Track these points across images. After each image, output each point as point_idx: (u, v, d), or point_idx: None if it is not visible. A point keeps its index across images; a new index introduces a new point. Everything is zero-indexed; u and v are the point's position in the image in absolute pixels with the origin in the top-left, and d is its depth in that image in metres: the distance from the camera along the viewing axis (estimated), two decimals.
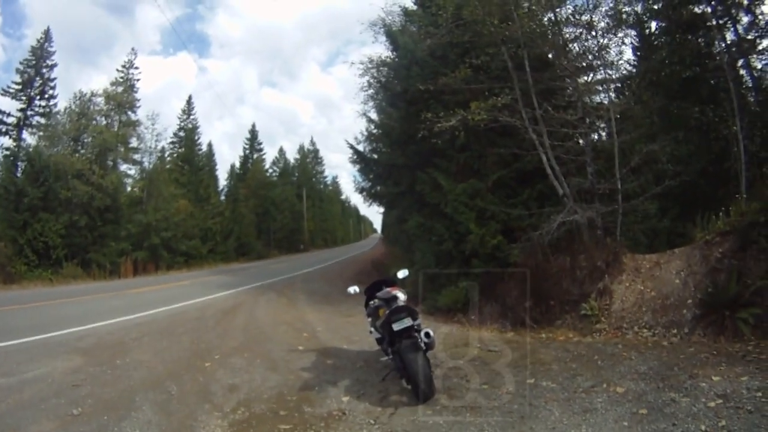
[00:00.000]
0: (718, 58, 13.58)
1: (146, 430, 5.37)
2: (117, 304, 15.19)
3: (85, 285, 23.69)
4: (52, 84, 32.75)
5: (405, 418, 5.49)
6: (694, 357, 6.71)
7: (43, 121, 31.92)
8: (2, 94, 31.50)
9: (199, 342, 9.70)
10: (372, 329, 7.04)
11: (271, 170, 62.75)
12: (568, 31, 11.90)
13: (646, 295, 8.96)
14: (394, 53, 16.52)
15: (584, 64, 11.82)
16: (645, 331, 8.35)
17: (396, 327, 6.06)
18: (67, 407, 5.97)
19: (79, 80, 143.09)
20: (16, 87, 31.53)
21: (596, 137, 11.99)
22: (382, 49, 19.01)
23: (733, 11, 12.97)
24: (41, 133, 31.23)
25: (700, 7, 13.59)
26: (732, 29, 13.32)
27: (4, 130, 31.64)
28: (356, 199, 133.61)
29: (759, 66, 13.83)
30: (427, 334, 6.08)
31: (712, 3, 13.15)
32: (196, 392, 6.64)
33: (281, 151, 67.75)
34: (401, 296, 6.78)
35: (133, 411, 5.87)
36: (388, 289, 6.99)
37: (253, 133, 61.11)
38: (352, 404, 6.04)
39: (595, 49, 11.50)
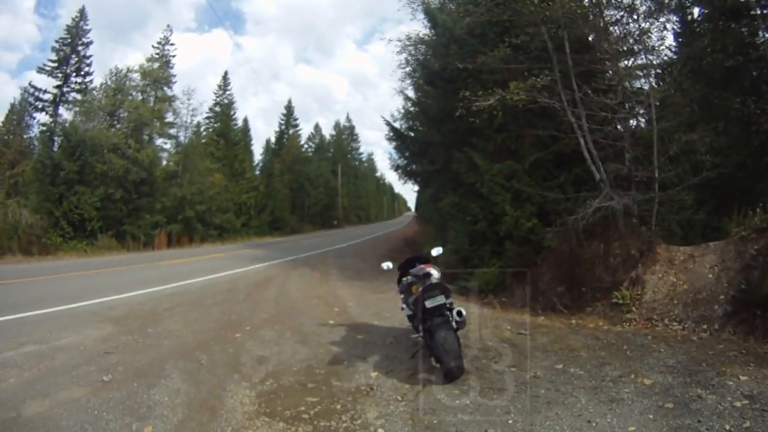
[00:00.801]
0: (762, 48, 13.19)
1: (175, 397, 5.44)
2: (149, 275, 15.46)
3: (119, 256, 24.10)
4: (87, 61, 33.59)
5: (432, 396, 5.48)
6: (723, 354, 6.58)
7: (79, 97, 32.59)
8: (39, 72, 32.29)
9: (229, 313, 9.82)
10: (404, 306, 7.01)
11: (306, 146, 63.18)
12: (609, 14, 11.63)
13: (678, 287, 8.82)
14: (433, 31, 16.49)
15: (625, 48, 11.59)
16: (675, 324, 8.22)
17: (429, 304, 6.01)
18: (97, 374, 6.10)
19: (113, 58, 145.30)
20: (53, 65, 32.30)
21: (635, 123, 11.75)
22: (419, 27, 19.11)
23: None
24: (77, 109, 31.83)
25: None
26: None
27: (40, 106, 32.65)
28: (391, 177, 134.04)
29: None
30: (459, 313, 6.04)
31: None
32: (225, 363, 6.72)
33: (317, 127, 68.35)
34: (435, 273, 6.73)
35: (163, 379, 5.97)
36: (422, 266, 6.97)
37: (289, 109, 61.41)
38: (381, 380, 6.06)
39: (636, 33, 11.27)
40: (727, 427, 4.45)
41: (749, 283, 7.75)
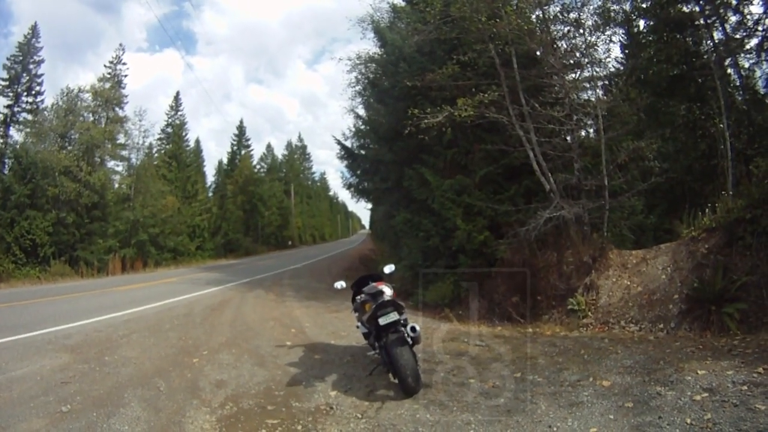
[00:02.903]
0: (705, 56, 13.69)
1: (135, 426, 5.36)
2: (104, 302, 15.11)
3: (73, 283, 23.54)
4: (39, 80, 32.55)
5: (392, 412, 5.50)
6: (680, 351, 6.77)
7: (29, 117, 31.66)
8: None
9: (186, 338, 9.69)
10: (359, 324, 7.04)
11: (258, 166, 62.49)
12: (556, 29, 11.97)
13: (632, 290, 9.08)
14: (382, 50, 16.58)
15: (572, 61, 11.89)
16: (631, 326, 8.46)
17: (382, 321, 6.07)
18: (56, 404, 5.95)
19: (65, 78, 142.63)
20: (3, 83, 31.29)
21: (583, 134, 12.08)
22: (369, 46, 19.21)
23: (722, 11, 13.07)
24: (28, 130, 31.02)
25: (689, 6, 13.68)
26: (720, 28, 13.43)
27: None
28: (344, 195, 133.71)
29: (746, 65, 14.00)
30: (413, 329, 6.11)
31: (701, 2, 13.24)
32: (184, 388, 6.63)
33: (269, 147, 67.77)
34: (387, 291, 6.77)
35: (122, 407, 5.86)
36: (375, 284, 7.00)
37: (241, 129, 60.68)
38: (340, 399, 6.06)
39: (583, 46, 11.60)
40: (689, 421, 4.57)
41: (702, 281, 8.06)
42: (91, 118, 33.12)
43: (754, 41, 13.20)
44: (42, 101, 32.33)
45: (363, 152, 21.46)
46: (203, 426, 5.36)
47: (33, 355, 8.30)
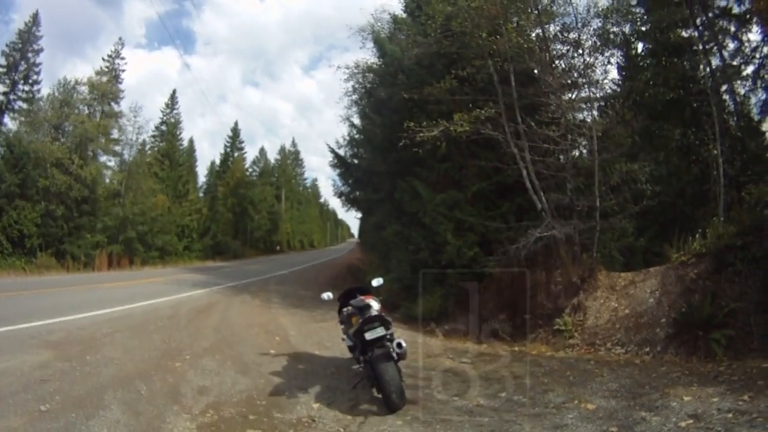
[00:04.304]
0: (702, 82, 13.81)
1: (114, 429, 5.27)
2: (90, 298, 15.02)
3: (58, 276, 23.38)
4: (37, 69, 32.33)
5: (374, 427, 5.49)
6: (666, 376, 6.81)
7: (25, 106, 31.43)
8: None
9: (170, 341, 9.59)
10: (344, 336, 7.02)
11: (251, 170, 62.26)
12: (555, 48, 12.04)
13: (620, 312, 9.10)
14: (381, 60, 16.56)
15: (569, 81, 11.94)
16: (618, 349, 8.47)
17: (368, 336, 6.05)
18: (34, 403, 5.84)
19: (63, 69, 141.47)
20: (1, 70, 31.09)
21: (577, 154, 12.08)
22: (368, 56, 19.00)
23: (720, 37, 13.20)
24: (23, 119, 30.81)
25: (687, 31, 13.83)
26: (717, 55, 13.56)
27: None
28: (335, 203, 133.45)
29: (742, 92, 14.10)
30: (399, 345, 6.10)
31: (700, 28, 13.37)
32: (166, 393, 6.56)
33: (262, 151, 67.09)
34: (375, 305, 6.76)
35: (102, 409, 5.76)
36: (362, 297, 6.97)
37: (236, 131, 60.40)
38: (322, 411, 6.03)
39: (581, 67, 11.67)
40: None
41: (690, 306, 8.10)
42: (86, 111, 33.00)
43: (750, 68, 13.33)
44: (39, 90, 32.16)
45: (356, 161, 21.50)
46: None
47: (14, 350, 8.17)
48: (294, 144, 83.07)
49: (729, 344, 7.45)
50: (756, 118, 14.28)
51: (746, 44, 13.20)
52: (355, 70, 17.95)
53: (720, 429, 4.81)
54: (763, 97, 13.63)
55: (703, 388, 6.00)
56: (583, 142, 11.95)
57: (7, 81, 31.14)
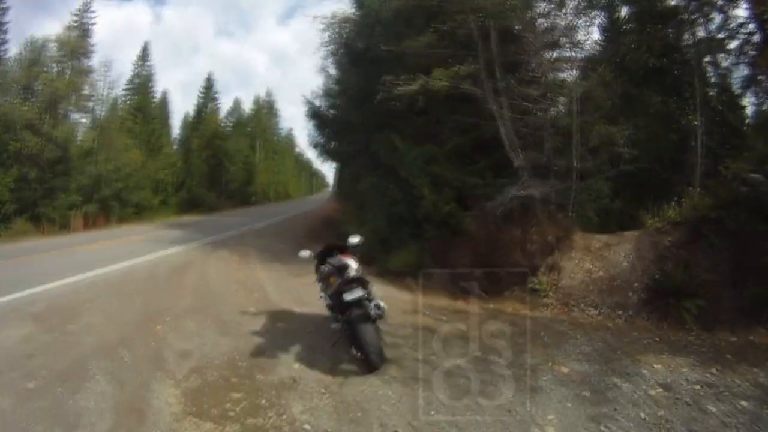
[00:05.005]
0: (685, 52, 13.79)
1: (101, 402, 5.33)
2: (68, 263, 14.83)
3: (35, 241, 22.84)
4: (3, 29, 31.23)
5: (355, 387, 5.60)
6: (638, 342, 7.03)
7: None
8: None
9: (150, 303, 9.57)
10: (322, 294, 7.01)
11: (225, 121, 61.09)
12: (538, 6, 11.86)
13: (594, 274, 9.25)
14: (359, 11, 16.31)
15: (551, 40, 11.83)
16: (591, 310, 8.64)
17: (347, 297, 6.12)
18: (21, 381, 5.87)
19: (30, 27, 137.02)
20: None
21: (557, 114, 12.05)
22: (345, 6, 18.64)
23: (706, 9, 13.09)
24: None
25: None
26: (703, 26, 13.48)
27: None
28: (310, 154, 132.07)
29: (725, 65, 14.09)
30: (377, 306, 6.16)
31: None
32: (149, 359, 6.60)
33: (236, 102, 65.56)
34: (353, 265, 6.76)
35: (87, 381, 5.82)
36: (340, 256, 7.00)
37: (209, 82, 58.37)
38: (303, 372, 6.12)
39: (564, 26, 11.55)
40: (643, 416, 4.77)
41: (664, 273, 8.31)
42: (56, 69, 31.96)
43: (735, 43, 13.29)
44: (6, 51, 31.09)
45: (332, 112, 21.27)
46: (168, 401, 5.37)
47: None
48: (269, 94, 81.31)
49: (699, 314, 7.67)
50: (737, 92, 14.33)
51: (732, 19, 13.14)
52: (332, 21, 17.66)
53: (688, 400, 5.04)
54: (746, 72, 13.64)
55: (673, 357, 6.23)
56: (564, 102, 11.94)
57: None
